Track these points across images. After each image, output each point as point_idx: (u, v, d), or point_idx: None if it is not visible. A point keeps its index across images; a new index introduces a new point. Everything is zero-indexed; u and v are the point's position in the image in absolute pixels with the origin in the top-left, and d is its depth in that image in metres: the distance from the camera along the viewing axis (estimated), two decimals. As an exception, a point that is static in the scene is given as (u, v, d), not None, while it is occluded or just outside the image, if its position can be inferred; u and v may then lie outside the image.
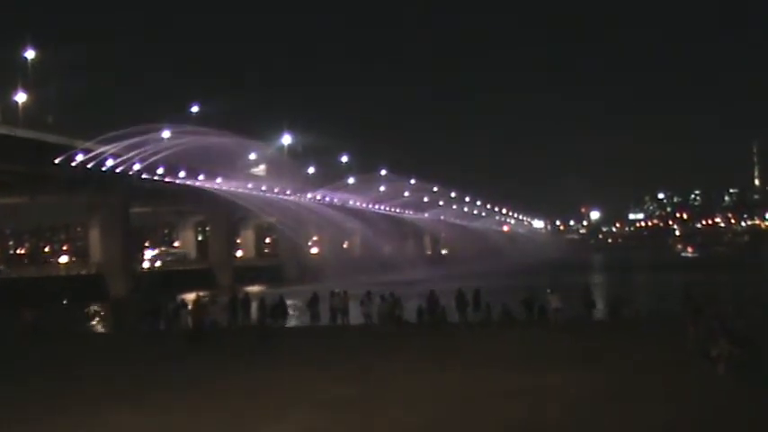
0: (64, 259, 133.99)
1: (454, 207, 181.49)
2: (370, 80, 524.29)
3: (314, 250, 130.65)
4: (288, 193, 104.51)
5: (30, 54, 67.36)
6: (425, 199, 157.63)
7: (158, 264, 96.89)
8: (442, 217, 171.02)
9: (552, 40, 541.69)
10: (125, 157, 71.89)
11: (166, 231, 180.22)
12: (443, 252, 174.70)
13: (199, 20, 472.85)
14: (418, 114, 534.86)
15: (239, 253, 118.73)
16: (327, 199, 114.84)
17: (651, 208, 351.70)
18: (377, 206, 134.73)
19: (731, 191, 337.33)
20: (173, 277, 79.28)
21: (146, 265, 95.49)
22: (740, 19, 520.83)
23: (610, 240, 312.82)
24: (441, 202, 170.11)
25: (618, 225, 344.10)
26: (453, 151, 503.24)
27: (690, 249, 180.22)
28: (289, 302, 31.84)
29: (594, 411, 12.79)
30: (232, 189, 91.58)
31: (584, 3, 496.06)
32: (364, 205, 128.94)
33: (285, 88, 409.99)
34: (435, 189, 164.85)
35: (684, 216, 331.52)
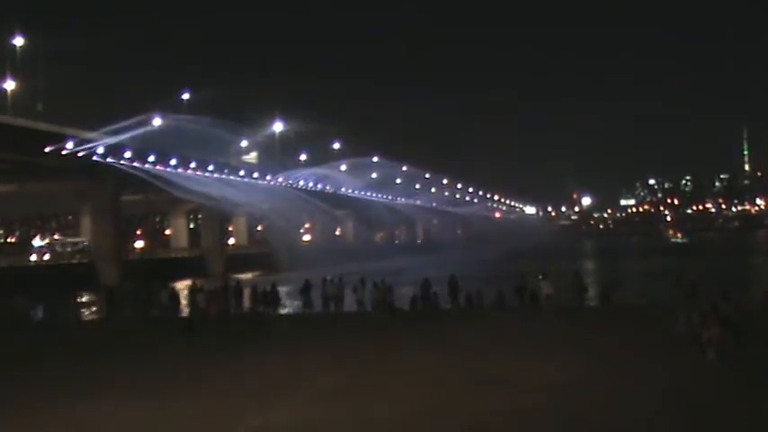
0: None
1: (446, 194, 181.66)
2: (363, 67, 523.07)
3: (306, 237, 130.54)
4: (280, 180, 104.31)
5: (19, 41, 66.83)
6: (417, 186, 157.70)
7: (47, 257, 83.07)
8: (434, 204, 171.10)
9: (548, 27, 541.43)
10: (115, 144, 71.73)
11: (158, 219, 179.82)
12: (435, 239, 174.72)
13: (190, 6, 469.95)
14: (412, 101, 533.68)
15: (231, 240, 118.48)
16: (319, 186, 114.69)
17: (642, 194, 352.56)
18: (369, 193, 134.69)
19: (722, 176, 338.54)
20: (164, 265, 79.11)
21: (33, 258, 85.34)
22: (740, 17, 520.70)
23: (601, 226, 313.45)
24: (433, 189, 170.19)
25: (609, 211, 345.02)
26: (445, 138, 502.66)
27: (679, 235, 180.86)
28: (281, 290, 31.83)
29: (584, 397, 12.86)
30: (224, 177, 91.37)
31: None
32: (356, 192, 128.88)
33: (277, 75, 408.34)
34: (427, 175, 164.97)
35: (675, 202, 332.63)
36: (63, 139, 66.74)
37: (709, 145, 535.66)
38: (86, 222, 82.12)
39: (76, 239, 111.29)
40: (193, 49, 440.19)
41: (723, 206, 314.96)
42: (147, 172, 78.36)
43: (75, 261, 78.75)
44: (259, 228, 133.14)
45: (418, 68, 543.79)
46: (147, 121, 74.50)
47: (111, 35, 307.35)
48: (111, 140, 70.87)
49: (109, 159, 71.92)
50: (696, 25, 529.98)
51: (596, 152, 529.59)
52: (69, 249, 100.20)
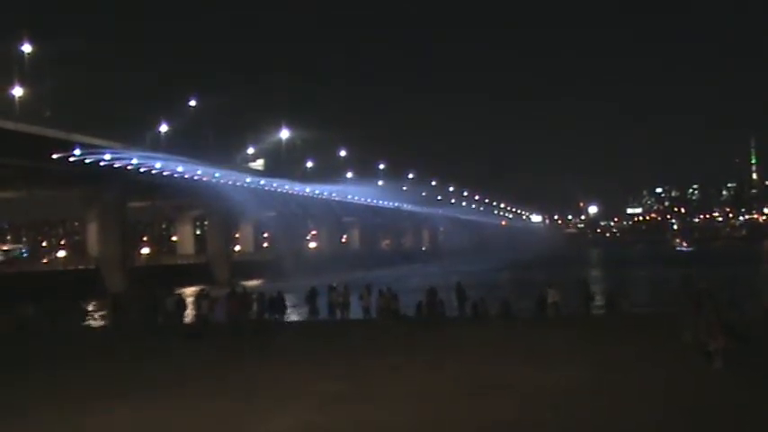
0: (61, 254, 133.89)
1: (452, 201, 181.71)
2: (363, 67, 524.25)
3: (312, 244, 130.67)
4: (286, 187, 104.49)
5: (27, 48, 67.15)
6: (423, 193, 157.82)
7: None
8: (440, 211, 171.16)
9: (548, 27, 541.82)
10: (122, 152, 72.14)
11: (164, 226, 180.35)
12: (441, 246, 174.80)
13: (198, 13, 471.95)
14: (412, 102, 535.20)
15: (237, 247, 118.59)
16: (326, 193, 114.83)
17: (649, 202, 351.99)
18: (375, 201, 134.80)
19: (729, 185, 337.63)
20: (169, 272, 79.24)
21: None
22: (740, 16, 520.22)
23: (608, 235, 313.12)
24: (439, 197, 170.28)
25: (616, 219, 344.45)
26: (452, 146, 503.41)
27: (685, 244, 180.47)
28: (287, 297, 31.78)
29: (588, 403, 12.78)
30: (230, 183, 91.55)
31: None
32: (362, 200, 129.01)
33: (277, 75, 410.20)
34: (434, 183, 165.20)
35: (682, 210, 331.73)
36: (70, 145, 67.00)
37: (715, 153, 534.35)
38: (93, 228, 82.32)
39: (12, 246, 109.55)
40: (193, 49, 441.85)
41: (730, 215, 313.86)
42: (153, 177, 78.65)
43: (81, 267, 78.93)
44: (265, 234, 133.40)
45: (418, 68, 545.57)
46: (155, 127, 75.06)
47: (110, 35, 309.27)
48: (117, 146, 71.22)
49: (116, 165, 72.13)
50: (696, 25, 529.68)
51: (603, 161, 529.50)
52: (1, 258, 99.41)
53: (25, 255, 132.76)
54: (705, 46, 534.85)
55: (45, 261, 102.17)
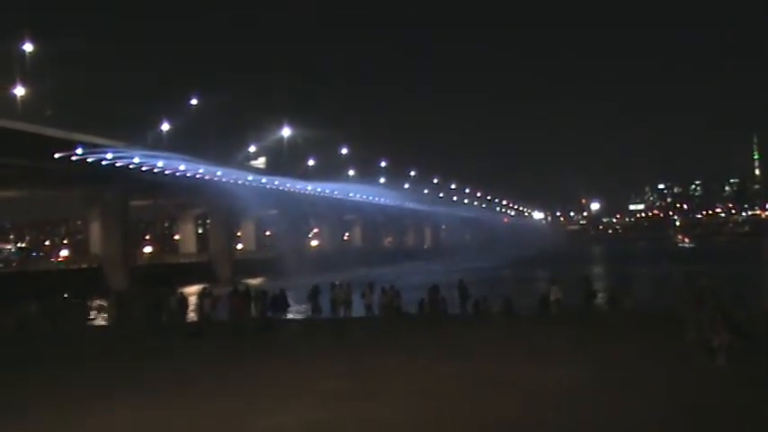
0: (64, 253, 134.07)
1: (454, 199, 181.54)
2: (363, 67, 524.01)
3: (314, 242, 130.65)
4: (288, 185, 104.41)
5: (28, 47, 67.16)
6: (425, 191, 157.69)
7: None
8: (442, 208, 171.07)
9: (548, 27, 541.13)
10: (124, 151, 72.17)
11: (167, 224, 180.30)
12: (444, 244, 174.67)
13: (198, 13, 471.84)
14: (417, 109, 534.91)
15: (239, 246, 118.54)
16: (328, 191, 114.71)
17: (651, 198, 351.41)
18: (377, 198, 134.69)
19: (731, 181, 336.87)
20: (172, 270, 79.23)
21: None
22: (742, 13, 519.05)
23: (610, 231, 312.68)
24: (441, 194, 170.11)
25: (618, 216, 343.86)
26: (452, 146, 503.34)
27: (686, 240, 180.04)
28: (289, 295, 31.74)
29: (590, 406, 12.69)
30: (232, 181, 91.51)
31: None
32: (364, 197, 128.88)
33: (277, 75, 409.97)
34: (436, 180, 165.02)
35: (685, 206, 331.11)
36: (72, 144, 66.99)
37: (716, 153, 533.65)
38: (95, 227, 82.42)
39: (8, 247, 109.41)
40: (193, 49, 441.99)
41: (733, 211, 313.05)
42: (155, 176, 78.60)
43: (84, 266, 78.98)
44: (267, 233, 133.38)
45: (418, 68, 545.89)
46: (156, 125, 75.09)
47: (110, 35, 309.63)
48: (119, 145, 71.25)
49: (117, 164, 72.13)
50: (696, 25, 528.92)
51: (605, 158, 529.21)
52: None
53: (34, 254, 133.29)
54: (705, 46, 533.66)
55: (59, 259, 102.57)
